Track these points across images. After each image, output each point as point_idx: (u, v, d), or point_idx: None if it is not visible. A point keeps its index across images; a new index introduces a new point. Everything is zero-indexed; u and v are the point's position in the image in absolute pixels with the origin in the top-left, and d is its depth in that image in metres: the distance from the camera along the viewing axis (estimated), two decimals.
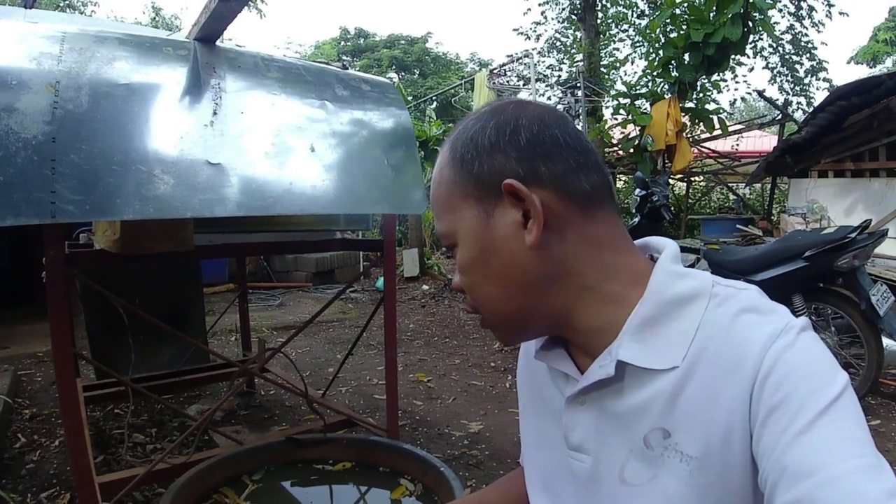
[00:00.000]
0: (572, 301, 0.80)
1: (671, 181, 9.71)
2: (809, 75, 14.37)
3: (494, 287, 0.81)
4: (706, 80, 7.58)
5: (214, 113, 1.92)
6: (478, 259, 0.81)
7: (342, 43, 31.18)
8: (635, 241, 0.86)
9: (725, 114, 9.72)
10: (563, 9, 15.59)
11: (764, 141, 15.25)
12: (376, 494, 1.95)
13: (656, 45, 7.85)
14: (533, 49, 15.19)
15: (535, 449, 0.97)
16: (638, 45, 14.86)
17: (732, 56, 7.28)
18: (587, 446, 0.82)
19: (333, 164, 2.09)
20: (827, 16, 14.18)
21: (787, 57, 14.45)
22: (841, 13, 14.34)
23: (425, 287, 9.62)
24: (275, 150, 1.98)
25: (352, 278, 9.01)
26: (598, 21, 14.27)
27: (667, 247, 0.83)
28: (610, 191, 0.84)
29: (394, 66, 29.11)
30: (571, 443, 0.84)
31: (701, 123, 7.78)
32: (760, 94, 10.94)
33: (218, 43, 2.20)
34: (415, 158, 2.28)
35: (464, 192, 0.80)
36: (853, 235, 3.92)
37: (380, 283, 9.65)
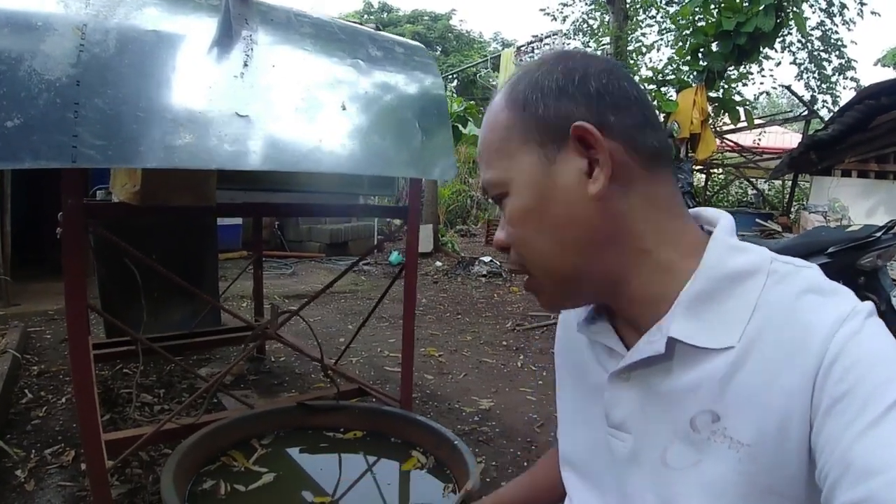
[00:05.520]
0: (627, 265, 0.75)
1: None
2: (837, 74, 14.09)
3: (548, 241, 0.76)
4: (734, 71, 7.47)
5: (245, 65, 1.86)
6: (534, 209, 0.75)
7: (365, 16, 30.97)
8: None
9: (750, 106, 9.59)
10: None
11: (785, 138, 15.07)
12: (387, 465, 1.92)
13: (686, 31, 7.74)
14: (559, 31, 15.00)
15: (571, 425, 0.94)
16: (665, 31, 14.66)
17: (762, 47, 7.18)
18: (629, 425, 0.78)
19: (364, 124, 2.02)
20: (859, 14, 13.89)
21: (815, 53, 14.18)
22: (873, 13, 14.04)
23: (438, 264, 9.60)
24: (305, 106, 1.92)
25: (365, 251, 9.04)
26: (627, 5, 14.06)
27: (721, 218, 0.78)
28: (670, 154, 0.79)
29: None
30: (612, 420, 0.81)
31: (727, 114, 7.69)
32: (788, 88, 10.78)
33: None
34: (446, 124, 2.21)
35: (523, 137, 0.75)
36: (878, 235, 3.85)
37: (393, 257, 9.70)
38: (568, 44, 16.09)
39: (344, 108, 1.97)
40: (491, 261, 9.33)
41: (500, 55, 9.87)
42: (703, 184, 11.67)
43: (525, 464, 3.12)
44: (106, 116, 1.61)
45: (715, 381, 0.69)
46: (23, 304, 5.62)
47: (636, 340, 0.76)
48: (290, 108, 1.90)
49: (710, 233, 0.77)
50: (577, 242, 0.74)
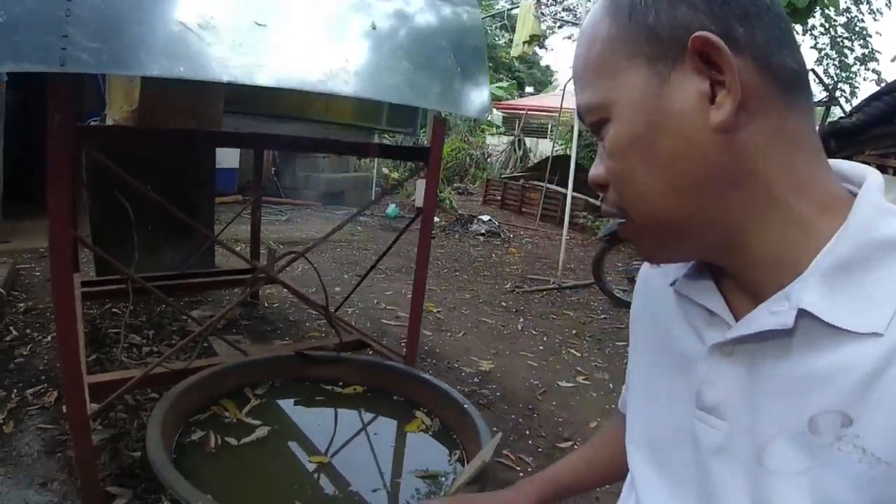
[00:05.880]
0: (750, 214, 0.61)
1: None
2: (859, 63, 13.82)
3: (656, 179, 0.62)
4: None
5: None
6: (641, 138, 0.61)
7: None
8: None
9: None
10: None
11: None
12: (388, 424, 1.80)
13: None
14: None
15: (644, 400, 0.80)
16: None
17: (792, 25, 6.98)
18: (725, 410, 0.65)
19: (395, 47, 1.82)
20: (887, 5, 13.56)
21: (838, 40, 13.86)
22: None
23: (436, 219, 9.44)
24: (332, 21, 1.71)
25: (361, 202, 8.89)
26: None
27: (869, 175, 0.62)
28: (809, 80, 0.63)
29: None
30: (705, 402, 0.66)
31: None
32: (812, 71, 10.54)
33: None
34: (482, 59, 2.00)
35: (631, 51, 0.61)
36: None
37: (390, 209, 9.63)
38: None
39: (374, 28, 1.77)
40: (490, 220, 9.23)
41: (515, 8, 9.50)
42: None
43: (527, 432, 3.03)
44: (102, 16, 1.41)
45: (856, 375, 0.54)
46: (13, 241, 5.45)
47: (747, 308, 0.62)
48: (315, 20, 1.69)
49: (850, 192, 0.61)
50: (692, 183, 0.60)
